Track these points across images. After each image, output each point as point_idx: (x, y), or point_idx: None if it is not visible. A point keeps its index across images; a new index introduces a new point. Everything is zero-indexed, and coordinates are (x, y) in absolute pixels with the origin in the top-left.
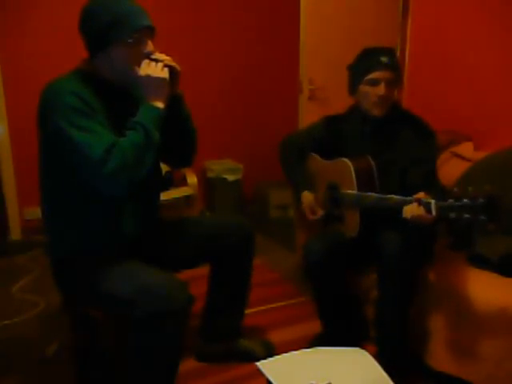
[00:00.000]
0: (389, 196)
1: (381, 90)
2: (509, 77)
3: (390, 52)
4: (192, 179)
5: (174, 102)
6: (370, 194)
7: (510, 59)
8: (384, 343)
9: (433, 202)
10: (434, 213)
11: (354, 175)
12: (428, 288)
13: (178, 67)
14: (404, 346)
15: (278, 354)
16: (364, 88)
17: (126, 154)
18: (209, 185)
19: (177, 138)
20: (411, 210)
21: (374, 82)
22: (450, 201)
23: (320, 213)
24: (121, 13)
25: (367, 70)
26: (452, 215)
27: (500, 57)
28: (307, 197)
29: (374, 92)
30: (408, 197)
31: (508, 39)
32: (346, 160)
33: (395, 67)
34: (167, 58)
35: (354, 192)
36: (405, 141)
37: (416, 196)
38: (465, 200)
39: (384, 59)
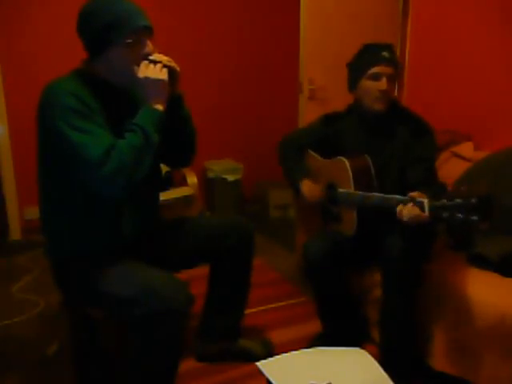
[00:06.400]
0: (377, 194)
1: (383, 84)
2: (509, 77)
3: (390, 47)
4: (192, 179)
5: (174, 103)
6: (372, 193)
7: (510, 59)
8: (389, 344)
9: (425, 201)
10: (426, 212)
11: (350, 174)
12: (428, 288)
13: (177, 68)
14: (409, 347)
15: (277, 354)
16: (365, 83)
17: (124, 156)
18: (209, 185)
19: (176, 139)
20: (407, 212)
21: (376, 77)
22: (443, 200)
23: (321, 193)
24: (119, 14)
25: (369, 64)
26: (445, 215)
27: (500, 56)
28: (307, 183)
29: (375, 87)
30: (402, 196)
31: (508, 39)
32: (343, 159)
33: (396, 62)
34: (166, 58)
35: (352, 191)
36: (403, 138)
37: (411, 194)
38: (457, 200)
39: (385, 54)
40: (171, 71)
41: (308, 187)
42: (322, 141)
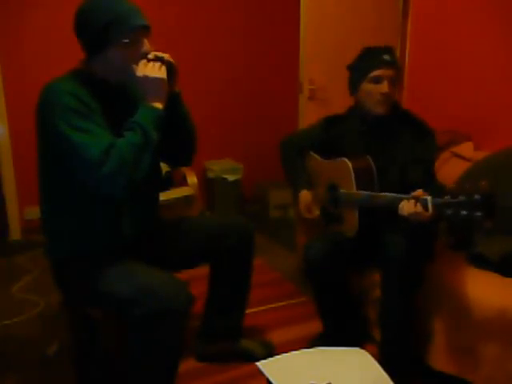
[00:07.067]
0: (382, 194)
1: (384, 87)
2: (509, 77)
3: (390, 50)
4: (192, 179)
5: (173, 100)
6: (361, 192)
7: (510, 59)
8: (389, 344)
9: (429, 198)
10: (430, 209)
11: (353, 175)
12: (428, 288)
13: (175, 64)
14: (409, 347)
15: (278, 354)
16: (367, 86)
17: (123, 155)
18: (209, 185)
19: (176, 137)
20: (408, 208)
21: (378, 80)
22: (447, 197)
23: (316, 212)
24: (116, 13)
25: (370, 67)
26: (448, 212)
27: (500, 56)
28: (305, 195)
29: (377, 90)
30: (405, 195)
31: (508, 39)
32: (345, 160)
33: (397, 65)
34: (164, 54)
35: (350, 191)
36: (404, 140)
37: (414, 193)
38: (461, 197)
39: (386, 57)
40: (170, 68)
41: (305, 202)
42: (323, 144)
